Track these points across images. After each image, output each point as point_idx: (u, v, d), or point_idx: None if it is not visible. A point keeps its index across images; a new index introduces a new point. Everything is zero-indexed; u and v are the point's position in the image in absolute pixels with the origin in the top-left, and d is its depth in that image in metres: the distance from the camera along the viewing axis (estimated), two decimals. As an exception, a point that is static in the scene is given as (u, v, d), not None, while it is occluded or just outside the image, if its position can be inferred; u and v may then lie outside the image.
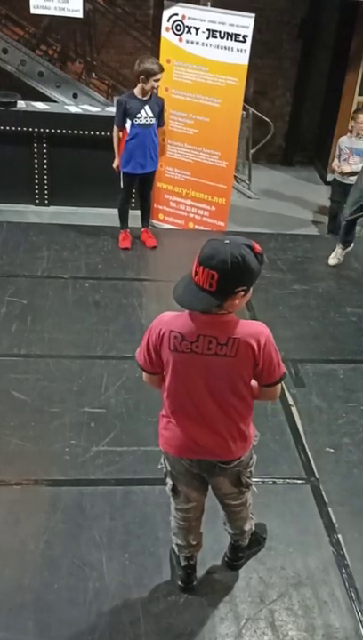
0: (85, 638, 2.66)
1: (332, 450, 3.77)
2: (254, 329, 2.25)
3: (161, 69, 5.43)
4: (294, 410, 4.06)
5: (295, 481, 3.54)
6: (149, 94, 5.52)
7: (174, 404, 2.40)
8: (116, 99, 6.11)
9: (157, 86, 5.52)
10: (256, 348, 2.21)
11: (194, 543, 2.76)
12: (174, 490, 2.61)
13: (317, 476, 3.56)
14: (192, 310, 2.19)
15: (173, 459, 2.53)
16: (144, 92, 5.47)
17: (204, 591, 2.88)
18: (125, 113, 5.50)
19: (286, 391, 4.19)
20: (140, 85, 5.44)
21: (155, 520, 3.18)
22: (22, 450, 3.57)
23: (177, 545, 2.79)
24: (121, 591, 2.85)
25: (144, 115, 5.52)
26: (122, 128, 5.59)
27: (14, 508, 3.22)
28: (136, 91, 5.49)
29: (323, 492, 3.45)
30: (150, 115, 5.54)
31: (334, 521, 3.29)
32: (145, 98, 5.50)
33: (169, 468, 2.57)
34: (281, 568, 3.02)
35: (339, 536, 3.21)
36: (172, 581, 2.90)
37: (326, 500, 3.40)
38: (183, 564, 2.83)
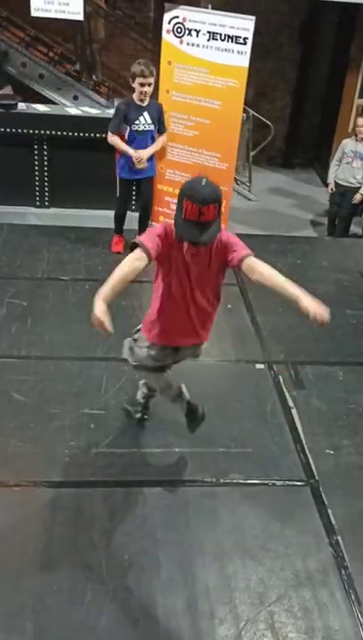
0: (84, 640, 2.66)
1: (332, 451, 3.76)
2: (222, 234, 2.88)
3: (145, 73, 5.22)
4: (293, 412, 4.05)
5: (295, 483, 3.53)
6: (147, 100, 5.44)
7: (169, 301, 3.05)
8: (115, 102, 6.08)
9: (145, 92, 5.33)
10: (226, 246, 2.87)
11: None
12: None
13: (316, 478, 3.56)
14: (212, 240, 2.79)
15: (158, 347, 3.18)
16: (140, 98, 5.39)
17: (203, 593, 2.88)
18: (124, 120, 5.41)
19: (286, 393, 4.19)
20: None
21: (154, 522, 3.18)
22: (22, 451, 3.56)
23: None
24: (120, 593, 2.84)
25: (143, 121, 5.46)
26: (115, 134, 5.44)
27: (13, 509, 3.21)
28: (134, 96, 5.42)
29: (323, 494, 3.45)
30: (149, 121, 5.48)
31: (333, 522, 3.28)
32: (143, 104, 5.43)
33: (153, 353, 3.19)
34: (281, 569, 3.02)
35: (338, 537, 3.20)
36: (170, 581, 2.90)
37: (326, 502, 3.40)
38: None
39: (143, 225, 6.12)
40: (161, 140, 5.79)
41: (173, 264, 2.92)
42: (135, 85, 5.34)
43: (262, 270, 2.83)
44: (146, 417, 3.75)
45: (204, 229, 2.70)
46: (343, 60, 9.09)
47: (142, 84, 5.29)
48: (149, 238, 2.84)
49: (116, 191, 5.80)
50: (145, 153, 5.57)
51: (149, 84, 5.33)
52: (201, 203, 2.65)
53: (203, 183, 2.70)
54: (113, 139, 5.49)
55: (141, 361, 3.29)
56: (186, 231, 2.74)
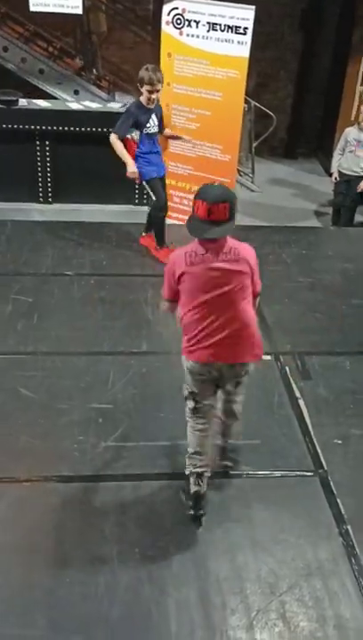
0: (97, 633, 2.68)
1: (340, 441, 3.77)
2: (244, 246, 2.94)
3: (153, 81, 5.16)
4: (301, 402, 4.05)
5: (304, 473, 3.54)
6: (154, 102, 5.36)
7: (195, 314, 2.92)
8: (116, 96, 6.01)
9: (153, 98, 5.27)
10: (249, 260, 2.92)
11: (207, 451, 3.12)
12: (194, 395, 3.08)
13: (325, 468, 3.56)
14: (221, 237, 2.85)
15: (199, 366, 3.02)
16: (148, 103, 5.31)
17: (214, 584, 2.90)
18: (135, 124, 5.33)
19: (293, 384, 4.19)
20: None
21: (164, 514, 3.19)
22: (31, 447, 3.58)
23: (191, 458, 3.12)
24: (132, 585, 2.86)
25: (152, 123, 5.40)
26: (122, 138, 5.34)
27: (24, 504, 3.24)
28: (142, 99, 5.34)
29: (332, 484, 3.46)
30: (156, 122, 5.45)
31: (343, 512, 3.29)
32: (151, 106, 5.35)
33: (190, 364, 3.03)
34: (291, 559, 3.03)
35: (348, 527, 3.21)
36: (181, 572, 2.91)
37: (335, 492, 3.41)
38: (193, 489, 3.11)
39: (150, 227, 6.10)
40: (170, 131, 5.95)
41: (191, 279, 2.90)
42: (143, 91, 5.28)
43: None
44: (201, 512, 3.16)
45: (213, 227, 2.79)
46: (345, 50, 9.03)
47: (150, 92, 5.26)
48: (164, 287, 3.05)
49: (151, 194, 5.58)
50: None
51: (157, 91, 5.31)
52: (210, 200, 2.77)
53: (214, 185, 2.91)
54: (117, 142, 5.32)
55: (187, 382, 3.11)
56: (195, 228, 2.84)
